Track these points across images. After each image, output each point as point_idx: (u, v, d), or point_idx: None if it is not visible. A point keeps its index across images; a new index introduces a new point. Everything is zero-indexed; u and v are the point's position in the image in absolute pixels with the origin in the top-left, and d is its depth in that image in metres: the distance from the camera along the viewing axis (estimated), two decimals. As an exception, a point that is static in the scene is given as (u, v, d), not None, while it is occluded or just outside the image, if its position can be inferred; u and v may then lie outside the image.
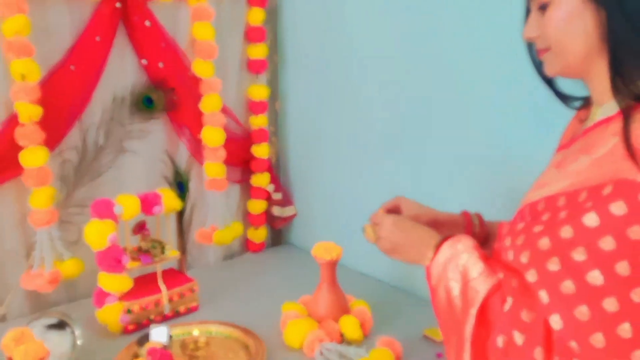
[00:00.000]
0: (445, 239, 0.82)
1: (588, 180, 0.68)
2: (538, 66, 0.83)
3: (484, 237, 0.98)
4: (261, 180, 1.73)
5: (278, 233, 1.87)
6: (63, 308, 1.36)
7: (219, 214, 1.64)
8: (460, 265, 0.78)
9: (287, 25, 1.71)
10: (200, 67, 1.52)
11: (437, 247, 0.82)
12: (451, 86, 1.30)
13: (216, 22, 1.52)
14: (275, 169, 1.80)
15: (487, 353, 0.73)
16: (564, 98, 0.86)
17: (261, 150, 1.71)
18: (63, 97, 1.31)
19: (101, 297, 1.25)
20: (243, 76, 1.68)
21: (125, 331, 1.25)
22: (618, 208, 0.63)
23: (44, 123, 1.26)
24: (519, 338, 0.69)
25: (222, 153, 1.58)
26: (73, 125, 1.35)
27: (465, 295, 0.76)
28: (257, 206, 1.76)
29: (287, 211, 1.80)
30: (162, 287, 1.31)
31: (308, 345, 1.17)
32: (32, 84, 1.24)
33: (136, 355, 1.13)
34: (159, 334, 1.15)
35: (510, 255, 0.76)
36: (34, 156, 1.25)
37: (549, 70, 0.79)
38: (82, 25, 1.33)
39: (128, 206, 1.25)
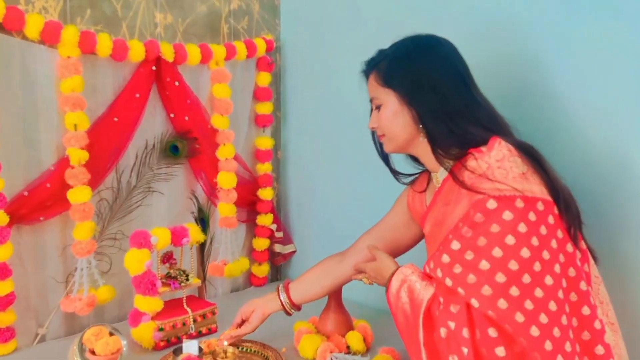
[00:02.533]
0: (393, 272, 1.09)
1: (458, 216, 1.03)
2: (379, 147, 1.23)
3: (289, 299, 1.36)
4: (265, 220, 1.94)
5: (278, 269, 2.06)
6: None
7: (229, 249, 1.83)
8: (406, 288, 1.05)
9: (289, 86, 1.98)
10: (218, 121, 1.76)
11: (389, 280, 1.09)
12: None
13: (231, 84, 1.78)
14: (277, 210, 2.02)
15: (437, 348, 0.98)
16: (395, 173, 1.28)
17: (266, 194, 1.93)
18: (105, 144, 1.52)
19: (137, 316, 1.42)
20: (251, 129, 1.92)
21: (157, 347, 1.42)
22: (479, 218, 0.97)
23: (89, 166, 1.46)
24: (451, 325, 0.97)
25: (234, 195, 1.80)
26: (112, 169, 1.55)
27: (414, 309, 1.02)
28: (261, 244, 1.95)
29: (287, 248, 2.00)
30: (188, 309, 1.49)
31: (320, 355, 1.35)
32: (82, 133, 1.45)
33: None
34: (190, 347, 1.31)
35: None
36: (80, 194, 1.44)
37: (386, 149, 1.19)
38: (123, 84, 1.55)
39: (162, 237, 1.44)
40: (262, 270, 1.97)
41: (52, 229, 1.48)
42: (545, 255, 0.95)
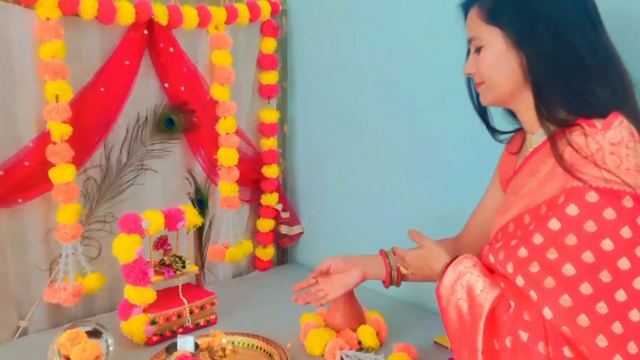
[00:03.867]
0: (448, 263, 0.92)
1: (543, 196, 0.84)
2: (475, 98, 1.01)
3: (403, 266, 1.13)
4: (270, 199, 1.80)
5: (284, 252, 1.93)
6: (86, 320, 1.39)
7: (230, 232, 1.70)
8: (465, 284, 0.88)
9: (296, 53, 1.81)
10: (218, 91, 1.60)
11: (443, 272, 0.92)
12: (456, 106, 1.40)
13: (232, 50, 1.61)
14: (283, 189, 1.88)
15: (497, 358, 0.82)
16: (493, 131, 1.05)
17: (271, 171, 1.79)
18: (92, 117, 1.37)
19: (126, 309, 1.29)
20: (255, 100, 1.77)
21: (149, 342, 1.29)
22: (572, 210, 0.78)
23: (73, 141, 1.32)
24: (523, 335, 0.79)
25: (236, 173, 1.65)
26: (100, 144, 1.41)
27: (473, 310, 0.86)
28: (266, 225, 1.82)
29: (294, 230, 1.87)
30: (184, 300, 1.36)
31: (329, 352, 1.22)
32: (64, 104, 1.30)
33: None
34: (186, 343, 1.19)
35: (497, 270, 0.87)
36: (63, 173, 1.31)
37: (483, 101, 0.97)
38: (112, 50, 1.40)
39: (154, 221, 1.31)
40: (267, 253, 1.84)
41: (33, 211, 1.34)
42: None
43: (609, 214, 0.77)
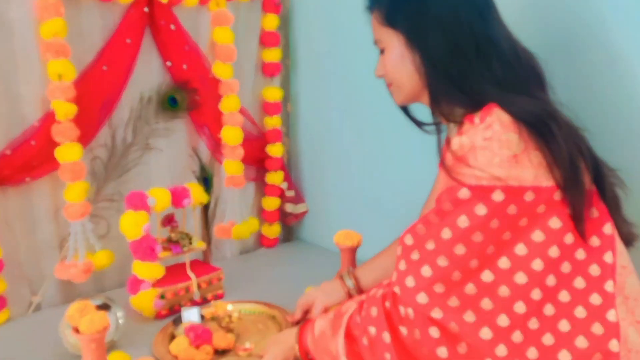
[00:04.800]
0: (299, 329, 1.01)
1: (437, 191, 0.89)
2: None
3: (360, 287, 1.19)
4: (275, 178, 1.81)
5: (289, 229, 1.94)
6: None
7: (236, 210, 1.71)
8: (322, 321, 0.96)
9: (299, 30, 1.80)
10: (220, 69, 1.60)
11: (298, 334, 1.00)
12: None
13: (233, 27, 1.60)
14: (288, 168, 1.88)
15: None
16: (418, 124, 1.09)
17: (275, 150, 1.79)
18: (95, 96, 1.38)
19: (135, 284, 1.31)
20: (258, 79, 1.76)
21: (158, 316, 1.31)
22: (447, 206, 0.82)
23: (78, 121, 1.33)
24: (372, 330, 0.86)
25: (241, 151, 1.66)
26: (104, 123, 1.42)
27: (335, 325, 0.93)
28: (271, 203, 1.83)
29: (299, 208, 1.88)
30: (192, 275, 1.38)
31: (335, 324, 1.24)
32: (67, 83, 1.31)
33: (173, 335, 1.19)
34: (191, 315, 1.22)
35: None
36: (69, 152, 1.32)
37: (395, 100, 1.01)
38: (113, 28, 1.40)
39: (160, 199, 1.32)
40: (273, 230, 1.86)
41: (42, 190, 1.36)
42: (521, 250, 0.80)
43: (480, 209, 0.79)
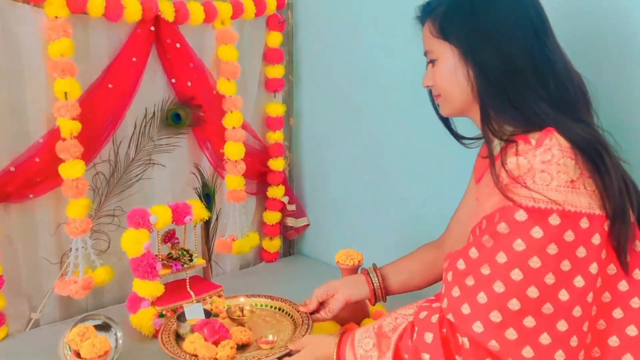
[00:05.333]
0: (338, 342, 0.97)
1: (484, 211, 0.86)
2: (436, 108, 1.03)
3: (385, 286, 1.19)
4: (277, 192, 1.82)
5: (290, 244, 1.96)
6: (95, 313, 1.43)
7: (237, 224, 1.72)
8: (368, 337, 0.93)
9: (302, 47, 1.81)
10: (224, 86, 1.61)
11: (337, 347, 0.97)
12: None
13: (238, 44, 1.61)
14: (289, 182, 1.89)
15: None
16: (458, 137, 1.08)
17: (277, 164, 1.80)
18: (100, 113, 1.39)
19: (135, 302, 1.32)
20: (261, 94, 1.77)
21: (157, 334, 1.32)
22: (503, 228, 0.80)
23: (82, 137, 1.34)
24: (426, 357, 0.84)
25: (243, 166, 1.67)
26: (108, 140, 1.43)
27: (382, 345, 0.90)
28: (272, 217, 1.84)
29: (300, 222, 1.89)
30: (191, 293, 1.39)
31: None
32: (73, 101, 1.32)
33: (177, 334, 1.19)
34: (195, 311, 1.21)
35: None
36: (73, 168, 1.33)
37: (442, 112, 1.00)
38: (119, 47, 1.41)
39: (161, 216, 1.33)
40: (274, 245, 1.87)
41: (44, 206, 1.37)
42: (579, 282, 0.79)
43: (537, 232, 0.79)
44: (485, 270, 0.81)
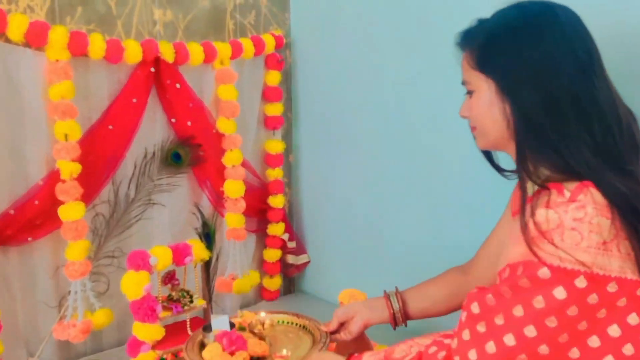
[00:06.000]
0: None
1: (509, 257, 0.81)
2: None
3: (405, 312, 1.16)
4: (277, 229, 1.81)
5: (291, 281, 1.93)
6: (94, 358, 1.40)
7: (237, 262, 1.70)
8: None
9: (300, 85, 1.83)
10: (224, 125, 1.62)
11: None
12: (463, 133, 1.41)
13: (237, 84, 1.63)
14: (289, 219, 1.88)
15: None
16: (499, 169, 1.02)
17: (277, 201, 1.79)
18: (100, 154, 1.39)
19: (135, 346, 1.29)
20: (260, 132, 1.78)
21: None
22: (524, 283, 0.76)
23: (82, 179, 1.34)
24: None
25: (243, 204, 1.66)
26: (108, 181, 1.43)
27: None
28: (272, 255, 1.82)
29: (300, 259, 1.87)
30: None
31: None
32: (73, 143, 1.32)
33: (203, 344, 1.17)
34: (221, 323, 1.19)
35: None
36: (72, 211, 1.32)
37: (478, 144, 0.94)
38: (119, 88, 1.42)
39: (162, 257, 1.31)
40: (274, 283, 1.84)
41: (43, 249, 1.36)
42: (594, 342, 0.75)
43: (559, 292, 0.74)
44: (499, 321, 0.78)
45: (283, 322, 1.27)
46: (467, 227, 1.42)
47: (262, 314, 1.23)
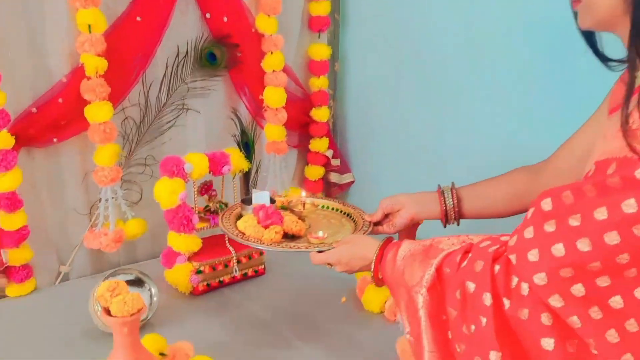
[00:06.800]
0: (380, 245, 0.87)
1: (600, 153, 0.70)
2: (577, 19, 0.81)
3: (459, 210, 1.03)
4: (320, 145, 1.67)
5: (333, 201, 1.81)
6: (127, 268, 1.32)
7: (277, 178, 1.58)
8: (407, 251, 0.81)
9: (349, -19, 1.63)
10: (264, 23, 1.45)
11: (378, 251, 0.86)
12: (521, 48, 1.20)
13: (278, -24, 1.45)
14: (334, 134, 1.74)
15: (445, 320, 0.74)
16: (603, 59, 0.85)
17: (321, 114, 1.64)
18: (128, 50, 1.26)
19: (170, 257, 1.21)
20: (304, 34, 1.60)
21: (195, 292, 1.21)
22: (615, 182, 0.63)
23: (109, 77, 1.21)
24: (471, 286, 0.71)
25: (284, 115, 1.52)
26: (137, 81, 1.30)
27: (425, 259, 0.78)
28: (315, 172, 1.70)
29: (345, 178, 1.74)
30: (231, 248, 1.26)
31: (389, 310, 1.12)
32: (98, 35, 1.18)
33: (240, 215, 1.10)
34: (261, 197, 1.11)
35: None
36: (100, 111, 1.20)
37: (581, 23, 0.78)
38: (148, -25, 1.26)
39: (197, 165, 1.20)
40: (316, 202, 1.72)
41: (70, 152, 1.26)
42: None
43: None
44: (574, 222, 0.65)
45: (327, 207, 1.16)
46: (525, 143, 1.24)
47: (303, 193, 1.14)
